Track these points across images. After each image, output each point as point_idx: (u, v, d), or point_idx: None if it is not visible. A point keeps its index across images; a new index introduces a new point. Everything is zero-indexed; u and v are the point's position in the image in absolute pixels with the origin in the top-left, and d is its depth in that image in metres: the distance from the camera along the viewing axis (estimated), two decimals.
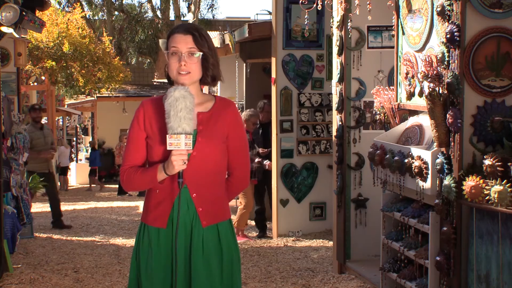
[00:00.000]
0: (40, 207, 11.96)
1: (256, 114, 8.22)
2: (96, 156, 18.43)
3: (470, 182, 3.70)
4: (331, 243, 6.65)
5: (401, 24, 4.65)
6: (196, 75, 2.74)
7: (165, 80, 2.88)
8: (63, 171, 17.48)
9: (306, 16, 5.70)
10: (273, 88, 7.86)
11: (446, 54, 3.92)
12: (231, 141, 2.81)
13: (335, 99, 5.97)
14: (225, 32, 10.37)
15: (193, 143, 2.68)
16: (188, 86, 2.71)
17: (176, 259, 2.68)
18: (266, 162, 7.93)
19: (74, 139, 24.61)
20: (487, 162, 3.65)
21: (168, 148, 2.60)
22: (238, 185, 2.93)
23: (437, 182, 4.00)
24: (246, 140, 2.92)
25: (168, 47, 2.74)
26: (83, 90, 18.77)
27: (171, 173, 2.65)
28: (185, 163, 2.62)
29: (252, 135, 8.13)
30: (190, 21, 24.36)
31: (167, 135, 2.60)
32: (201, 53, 2.71)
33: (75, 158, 22.17)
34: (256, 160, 7.96)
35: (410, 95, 4.50)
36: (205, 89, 8.60)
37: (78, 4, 24.67)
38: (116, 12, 28.86)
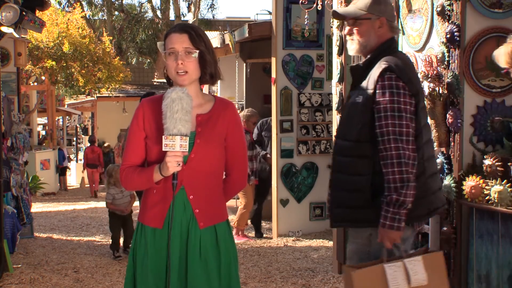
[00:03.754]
0: (40, 207, 11.96)
1: (254, 114, 8.23)
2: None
3: (470, 182, 3.70)
4: (331, 243, 6.65)
5: (401, 24, 4.65)
6: (194, 74, 2.74)
7: (165, 80, 2.88)
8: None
9: (306, 16, 5.72)
10: (273, 88, 7.86)
11: (446, 54, 3.92)
12: (230, 142, 2.81)
13: (335, 99, 5.97)
14: (225, 32, 10.38)
15: (191, 145, 2.67)
16: (187, 85, 2.71)
17: (169, 261, 2.67)
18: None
19: (74, 139, 24.64)
20: (487, 162, 3.66)
21: (164, 149, 2.59)
22: (235, 186, 2.93)
23: None
24: (245, 141, 2.92)
25: (165, 48, 2.74)
26: (83, 90, 18.78)
27: (166, 174, 2.65)
28: (179, 164, 2.61)
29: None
30: (190, 21, 24.36)
31: (163, 136, 2.59)
32: (198, 51, 2.71)
33: (74, 158, 22.19)
34: (263, 153, 8.00)
35: None
36: (205, 88, 8.51)
37: (78, 4, 24.67)
38: (116, 12, 28.85)
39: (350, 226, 3.20)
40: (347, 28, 3.23)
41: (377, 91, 2.97)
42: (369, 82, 3.03)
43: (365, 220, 3.01)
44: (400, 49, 4.72)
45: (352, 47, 3.22)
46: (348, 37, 3.23)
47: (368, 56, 3.15)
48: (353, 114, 3.09)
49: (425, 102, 3.12)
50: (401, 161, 2.90)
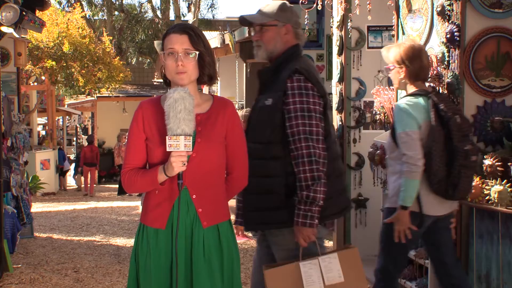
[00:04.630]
0: (40, 207, 11.96)
1: None
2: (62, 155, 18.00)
3: None
4: (331, 243, 6.65)
5: (401, 24, 4.65)
6: (193, 74, 2.73)
7: (162, 80, 2.88)
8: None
9: (306, 16, 5.71)
10: None
11: (446, 54, 3.92)
12: (230, 140, 2.81)
13: (335, 99, 5.98)
14: (225, 32, 10.38)
15: (192, 144, 2.67)
16: (185, 85, 2.70)
17: (177, 261, 2.67)
18: None
19: (74, 139, 24.64)
20: (487, 162, 3.65)
21: (168, 149, 2.59)
22: (237, 185, 2.93)
23: None
24: (245, 140, 2.91)
25: (164, 48, 2.73)
26: (83, 90, 18.77)
27: (171, 174, 2.64)
28: (184, 164, 2.61)
29: None
30: (190, 21, 24.35)
31: (167, 137, 2.58)
32: (197, 52, 2.71)
33: (74, 158, 22.21)
34: None
35: None
36: (205, 89, 8.51)
37: (78, 4, 24.66)
38: (116, 12, 28.84)
39: (266, 228, 3.24)
40: (254, 34, 3.33)
41: (287, 93, 3.07)
42: (278, 85, 3.12)
43: (280, 221, 3.07)
44: None
45: (259, 53, 3.31)
46: (255, 43, 3.31)
47: (275, 62, 3.25)
48: (263, 117, 3.17)
49: (331, 103, 3.24)
50: (312, 160, 2.99)
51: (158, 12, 29.13)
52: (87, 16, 25.74)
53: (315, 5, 5.52)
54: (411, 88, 3.60)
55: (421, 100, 3.48)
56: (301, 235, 3.03)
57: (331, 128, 3.22)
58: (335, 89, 5.96)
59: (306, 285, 2.96)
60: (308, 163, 3.00)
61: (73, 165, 20.09)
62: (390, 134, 3.61)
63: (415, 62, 3.55)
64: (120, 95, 22.37)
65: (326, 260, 3.02)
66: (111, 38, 20.78)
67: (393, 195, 3.56)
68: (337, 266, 3.00)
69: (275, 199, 3.04)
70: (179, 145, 2.58)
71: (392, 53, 3.64)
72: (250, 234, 8.10)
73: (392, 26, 4.93)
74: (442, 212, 3.55)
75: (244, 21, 3.36)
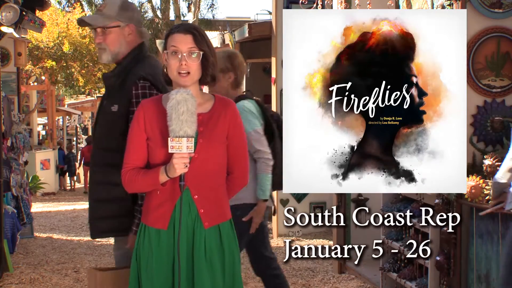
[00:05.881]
0: (40, 207, 11.96)
1: None
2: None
3: (470, 182, 3.70)
4: (331, 243, 6.65)
5: None
6: (196, 75, 2.73)
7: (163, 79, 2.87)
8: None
9: None
10: (273, 88, 7.85)
11: None
12: (231, 140, 2.80)
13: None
14: (225, 32, 10.38)
15: (194, 145, 2.66)
16: (189, 86, 2.70)
17: (179, 262, 2.67)
18: None
19: (74, 139, 24.66)
20: (487, 162, 3.65)
21: (170, 151, 2.58)
22: (237, 184, 2.92)
23: None
24: (245, 139, 2.91)
25: (167, 47, 2.72)
26: (83, 90, 18.81)
27: (173, 176, 2.64)
28: (186, 166, 2.60)
29: None
30: (190, 21, 24.36)
31: (169, 138, 2.57)
32: (202, 52, 2.70)
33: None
34: None
35: None
36: (206, 89, 8.50)
37: (78, 4, 24.68)
38: None
39: (114, 236, 3.25)
40: (96, 37, 3.22)
41: (132, 101, 3.01)
42: (124, 91, 3.06)
43: (128, 229, 3.04)
44: None
45: (104, 56, 3.21)
46: (98, 46, 3.22)
47: (120, 64, 3.18)
48: (111, 124, 3.10)
49: None
50: None
51: (158, 12, 29.11)
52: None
53: (315, 5, 5.52)
54: (234, 94, 3.82)
55: (253, 103, 3.83)
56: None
57: None
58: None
59: None
60: None
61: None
62: None
63: (241, 69, 3.84)
64: None
65: None
66: None
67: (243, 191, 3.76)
68: None
69: (124, 207, 3.02)
70: (181, 147, 2.57)
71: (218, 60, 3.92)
72: None
73: None
74: None
75: (83, 23, 3.25)
